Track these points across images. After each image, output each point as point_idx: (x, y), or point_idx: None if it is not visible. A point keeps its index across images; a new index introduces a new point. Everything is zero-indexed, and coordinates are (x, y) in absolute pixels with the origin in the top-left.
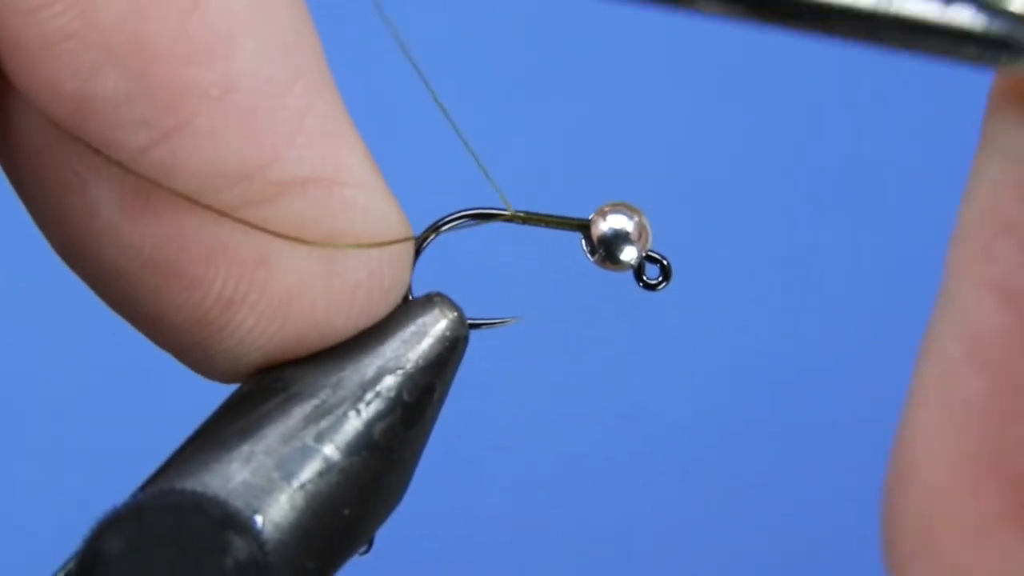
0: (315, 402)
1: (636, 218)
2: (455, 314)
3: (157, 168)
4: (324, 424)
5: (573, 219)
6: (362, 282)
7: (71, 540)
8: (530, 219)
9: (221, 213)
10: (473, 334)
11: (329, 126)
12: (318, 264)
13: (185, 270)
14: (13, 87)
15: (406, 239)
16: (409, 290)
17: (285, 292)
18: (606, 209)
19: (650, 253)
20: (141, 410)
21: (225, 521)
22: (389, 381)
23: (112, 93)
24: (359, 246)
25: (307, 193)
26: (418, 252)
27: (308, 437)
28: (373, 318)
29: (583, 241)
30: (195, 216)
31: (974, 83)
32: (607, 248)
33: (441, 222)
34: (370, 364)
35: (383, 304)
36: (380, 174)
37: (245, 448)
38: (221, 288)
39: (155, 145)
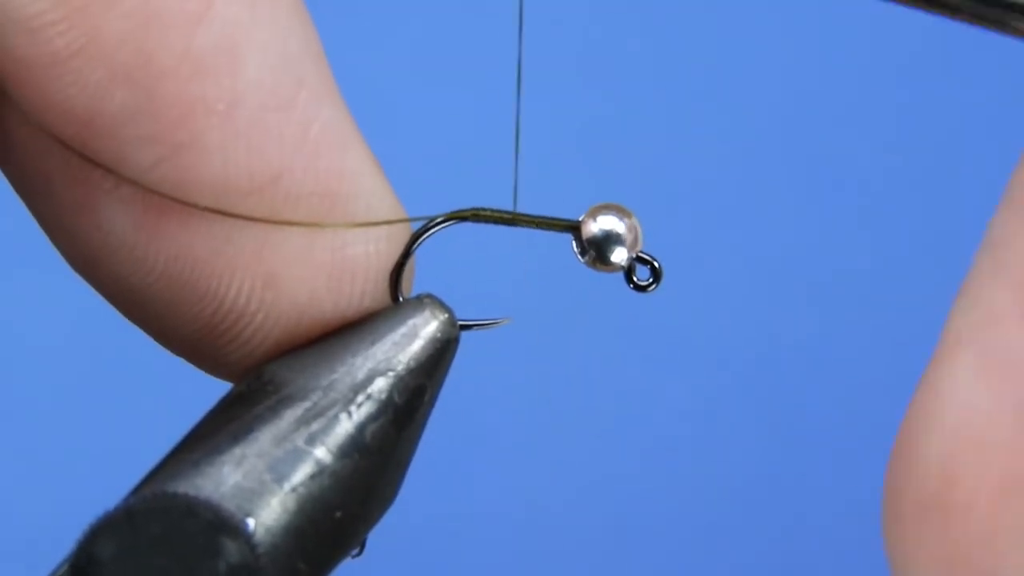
0: (306, 404)
1: (627, 219)
2: (446, 315)
3: (166, 184)
4: (315, 427)
5: (564, 220)
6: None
7: (63, 544)
8: (520, 220)
9: (236, 216)
10: (464, 335)
11: (335, 136)
12: (327, 281)
13: (198, 284)
14: (20, 111)
15: (401, 220)
16: (400, 292)
17: (294, 306)
18: (597, 210)
19: (640, 254)
20: (135, 411)
21: (217, 524)
22: (380, 383)
23: (120, 110)
24: (355, 225)
25: (313, 204)
26: (409, 252)
27: (300, 440)
28: (369, 300)
29: (574, 242)
30: (207, 231)
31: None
32: (598, 249)
33: (431, 223)
34: (361, 366)
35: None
36: (385, 180)
37: (237, 451)
38: (233, 300)
39: (164, 161)
